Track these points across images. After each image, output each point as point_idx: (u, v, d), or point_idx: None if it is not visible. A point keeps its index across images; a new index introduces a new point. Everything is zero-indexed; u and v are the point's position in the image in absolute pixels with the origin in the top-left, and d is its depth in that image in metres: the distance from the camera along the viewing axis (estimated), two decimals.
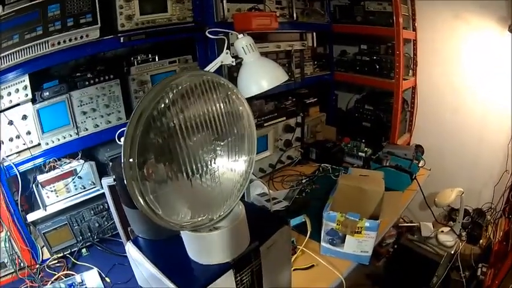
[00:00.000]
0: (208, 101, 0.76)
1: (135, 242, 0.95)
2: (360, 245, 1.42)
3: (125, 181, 0.64)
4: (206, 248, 0.84)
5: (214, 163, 0.81)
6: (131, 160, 0.64)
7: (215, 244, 0.83)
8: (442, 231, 2.50)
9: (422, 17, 2.67)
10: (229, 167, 0.85)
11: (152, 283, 0.88)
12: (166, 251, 0.91)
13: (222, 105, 0.79)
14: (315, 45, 2.27)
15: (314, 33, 2.25)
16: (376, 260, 2.46)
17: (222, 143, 0.82)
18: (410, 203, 2.05)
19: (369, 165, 2.12)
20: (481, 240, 2.56)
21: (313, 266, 1.42)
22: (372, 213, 1.59)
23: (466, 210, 2.64)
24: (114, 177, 0.93)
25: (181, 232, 0.84)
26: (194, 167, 0.76)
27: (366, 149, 2.26)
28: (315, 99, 2.45)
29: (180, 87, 0.71)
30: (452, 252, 2.43)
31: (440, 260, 2.35)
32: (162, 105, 0.68)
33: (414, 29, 2.63)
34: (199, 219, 0.79)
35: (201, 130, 0.76)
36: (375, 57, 2.51)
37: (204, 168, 0.78)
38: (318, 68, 2.50)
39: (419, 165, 2.22)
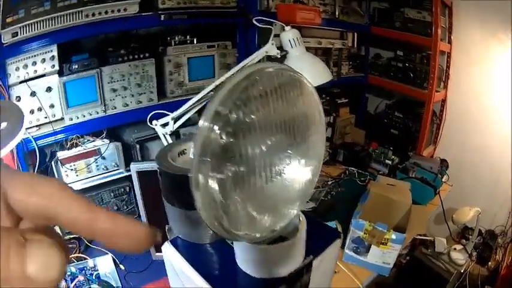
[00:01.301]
0: (290, 100, 0.69)
1: (174, 243, 0.85)
2: (384, 256, 1.40)
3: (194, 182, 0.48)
4: (263, 260, 0.74)
5: (286, 170, 0.73)
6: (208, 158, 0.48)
7: (274, 257, 0.73)
8: (455, 249, 2.48)
9: (458, 31, 2.64)
10: (297, 174, 0.77)
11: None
12: (210, 256, 0.82)
13: (301, 106, 0.71)
14: (355, 45, 2.22)
15: (355, 33, 2.21)
16: None
17: (296, 149, 0.74)
18: None
19: (395, 174, 2.08)
20: (489, 263, 2.56)
21: (335, 272, 1.39)
22: (396, 224, 1.56)
23: (479, 230, 2.63)
24: (158, 168, 0.79)
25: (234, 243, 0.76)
26: (268, 173, 0.66)
27: (393, 157, 2.23)
28: (346, 100, 2.42)
29: (268, 80, 0.62)
30: (462, 270, 2.42)
31: (449, 278, 2.35)
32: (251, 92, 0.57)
33: (450, 42, 2.60)
34: (261, 234, 0.69)
35: (278, 132, 0.67)
36: (410, 65, 2.48)
37: (278, 176, 0.70)
38: (352, 68, 2.48)
39: (443, 179, 2.20)
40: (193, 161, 0.45)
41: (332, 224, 1.44)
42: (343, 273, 1.39)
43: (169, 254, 0.84)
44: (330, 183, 1.94)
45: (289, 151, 0.71)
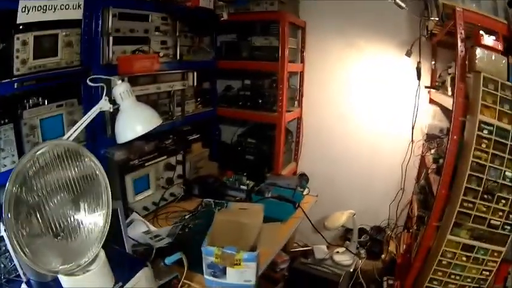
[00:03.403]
0: (66, 167, 0.92)
1: (28, 284, 1.08)
2: (242, 275, 1.47)
3: (6, 234, 0.78)
4: None
5: (75, 219, 0.96)
6: (9, 215, 0.78)
7: (83, 285, 0.97)
8: (338, 252, 2.63)
9: (313, 48, 2.80)
10: (89, 220, 0.99)
11: None
12: None
13: (76, 169, 0.95)
14: (195, 84, 2.33)
15: (195, 73, 2.31)
16: (273, 285, 2.53)
17: (80, 202, 0.97)
18: (303, 228, 2.12)
19: (251, 198, 2.16)
20: (383, 255, 2.69)
21: None
22: (253, 244, 1.62)
23: (363, 229, 2.78)
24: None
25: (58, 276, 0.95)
26: (57, 223, 0.90)
27: (247, 181, 2.31)
28: (198, 136, 2.48)
29: (43, 156, 0.87)
30: (351, 270, 2.53)
31: (338, 279, 2.41)
32: (32, 170, 0.85)
33: (302, 61, 2.76)
34: (69, 266, 0.92)
35: (60, 192, 0.92)
36: (257, 92, 2.60)
37: (65, 224, 0.93)
38: (201, 104, 2.55)
39: (304, 193, 2.29)
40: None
41: (177, 255, 1.46)
42: None
43: None
44: (186, 217, 2.02)
45: (80, 203, 0.97)
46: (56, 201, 0.91)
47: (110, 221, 1.02)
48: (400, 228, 2.85)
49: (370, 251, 2.72)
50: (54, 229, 0.90)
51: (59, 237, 0.92)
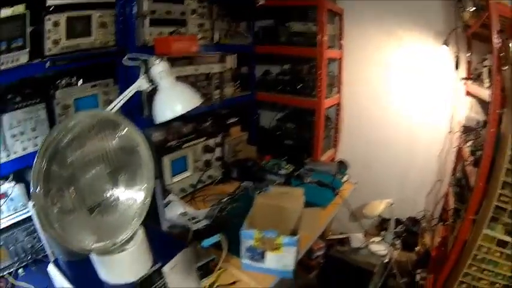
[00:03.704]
0: (104, 138, 0.87)
1: (56, 263, 1.04)
2: (281, 260, 1.45)
3: (34, 209, 0.75)
4: (111, 268, 0.93)
5: (112, 193, 0.91)
6: (38, 189, 0.73)
7: (118, 265, 0.92)
8: (374, 241, 2.58)
9: (351, 35, 2.76)
10: (127, 195, 0.94)
11: None
12: (82, 271, 0.98)
13: (115, 141, 0.89)
14: (235, 66, 2.32)
15: (235, 55, 2.31)
16: (308, 273, 2.50)
17: (118, 175, 0.92)
18: (340, 215, 2.10)
19: (290, 182, 2.14)
20: (417, 247, 2.63)
21: (235, 282, 1.44)
22: (293, 229, 1.61)
23: (399, 219, 2.73)
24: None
25: (90, 255, 0.92)
26: (92, 198, 0.86)
27: (287, 166, 2.29)
28: (236, 119, 2.48)
29: (76, 127, 0.81)
30: (386, 260, 2.49)
31: (373, 269, 2.40)
32: (63, 142, 0.79)
33: (340, 47, 2.72)
34: (103, 244, 0.87)
35: (97, 164, 0.86)
36: (297, 77, 2.57)
37: (101, 198, 0.89)
38: (239, 88, 2.53)
39: (343, 179, 2.27)
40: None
41: (216, 237, 1.46)
42: (245, 282, 1.44)
43: (52, 273, 1.04)
44: (224, 200, 2.01)
45: (118, 177, 0.92)
46: (91, 175, 0.86)
47: (151, 195, 0.97)
48: (435, 220, 2.77)
49: (405, 243, 2.67)
50: (88, 204, 0.86)
51: (93, 213, 0.88)
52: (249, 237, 1.44)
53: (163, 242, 1.18)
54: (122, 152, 0.91)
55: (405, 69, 2.65)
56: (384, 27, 2.64)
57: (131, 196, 0.95)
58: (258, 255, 1.46)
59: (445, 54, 2.45)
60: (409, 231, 2.71)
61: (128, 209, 0.94)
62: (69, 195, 0.81)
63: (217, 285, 1.42)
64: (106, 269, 0.94)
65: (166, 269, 1.02)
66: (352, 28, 2.76)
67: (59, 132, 0.78)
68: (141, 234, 0.98)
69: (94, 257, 0.92)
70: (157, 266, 1.00)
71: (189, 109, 1.34)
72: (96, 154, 0.86)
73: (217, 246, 1.43)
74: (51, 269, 1.04)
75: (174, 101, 1.34)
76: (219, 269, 1.45)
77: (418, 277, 2.40)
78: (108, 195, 0.91)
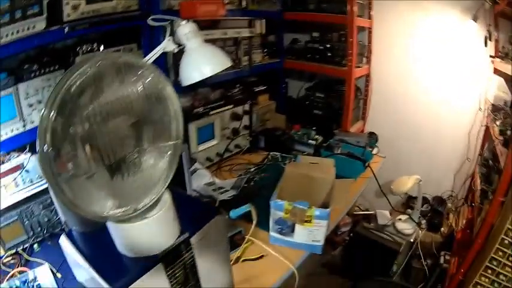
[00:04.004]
0: (124, 84, 0.72)
1: (69, 235, 0.91)
2: (311, 234, 1.38)
3: (42, 171, 0.61)
4: (131, 239, 0.80)
5: (134, 151, 0.77)
6: (46, 148, 0.60)
7: (139, 235, 0.79)
8: (400, 219, 2.51)
9: (380, 5, 2.66)
10: (153, 153, 0.81)
11: (82, 275, 0.86)
12: (97, 243, 0.87)
13: (139, 87, 0.74)
14: (263, 32, 2.23)
15: (263, 21, 2.22)
16: (332, 249, 2.45)
17: (141, 130, 0.78)
18: (366, 190, 2.03)
19: (320, 153, 2.08)
20: (442, 228, 2.57)
21: (262, 256, 1.38)
22: (323, 201, 1.55)
23: (425, 198, 2.65)
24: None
25: (107, 224, 0.79)
26: (111, 156, 0.72)
27: (316, 136, 2.23)
28: (264, 87, 2.42)
29: (93, 70, 0.65)
30: (412, 240, 2.43)
31: (399, 248, 2.35)
32: (73, 89, 0.62)
33: (370, 17, 2.62)
34: (123, 210, 0.74)
35: (118, 115, 0.71)
36: (327, 45, 2.49)
37: (121, 156, 0.75)
38: (267, 55, 2.46)
39: (373, 152, 2.20)
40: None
41: (245, 207, 1.35)
42: (273, 257, 1.37)
43: (65, 246, 0.91)
44: (252, 170, 1.94)
45: (141, 132, 0.78)
46: (110, 128, 0.71)
47: (179, 155, 0.84)
48: (460, 201, 2.69)
49: (430, 223, 2.59)
50: (107, 163, 0.71)
51: (112, 175, 0.73)
52: (279, 208, 1.37)
53: (191, 208, 1.02)
54: (147, 102, 0.76)
55: (433, 43, 2.55)
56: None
57: (157, 154, 0.82)
58: (287, 228, 1.39)
59: (473, 31, 2.35)
60: (434, 211, 2.63)
61: (152, 170, 0.81)
62: (84, 153, 0.67)
63: (244, 259, 1.36)
64: (125, 239, 0.80)
65: (194, 240, 0.88)
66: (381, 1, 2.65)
67: (71, 77, 0.62)
68: (167, 199, 0.84)
69: (111, 226, 0.79)
70: (184, 236, 0.86)
71: (218, 71, 1.27)
72: (116, 104, 0.71)
73: (244, 217, 1.34)
74: (63, 242, 0.91)
75: (202, 63, 1.28)
76: (246, 242, 1.39)
77: (442, 259, 2.32)
78: (129, 152, 0.77)
